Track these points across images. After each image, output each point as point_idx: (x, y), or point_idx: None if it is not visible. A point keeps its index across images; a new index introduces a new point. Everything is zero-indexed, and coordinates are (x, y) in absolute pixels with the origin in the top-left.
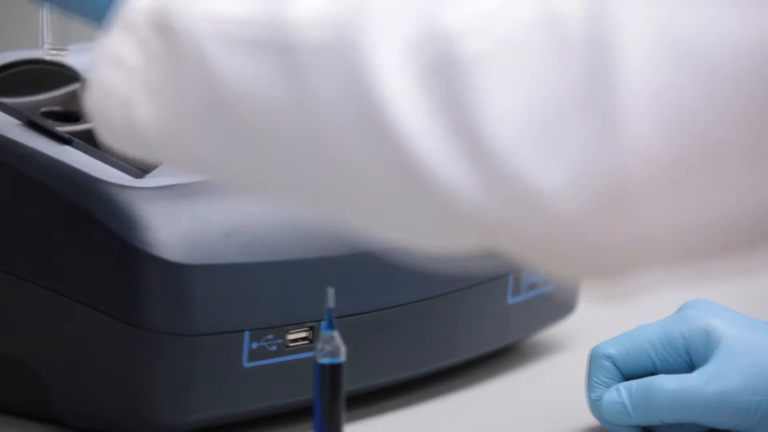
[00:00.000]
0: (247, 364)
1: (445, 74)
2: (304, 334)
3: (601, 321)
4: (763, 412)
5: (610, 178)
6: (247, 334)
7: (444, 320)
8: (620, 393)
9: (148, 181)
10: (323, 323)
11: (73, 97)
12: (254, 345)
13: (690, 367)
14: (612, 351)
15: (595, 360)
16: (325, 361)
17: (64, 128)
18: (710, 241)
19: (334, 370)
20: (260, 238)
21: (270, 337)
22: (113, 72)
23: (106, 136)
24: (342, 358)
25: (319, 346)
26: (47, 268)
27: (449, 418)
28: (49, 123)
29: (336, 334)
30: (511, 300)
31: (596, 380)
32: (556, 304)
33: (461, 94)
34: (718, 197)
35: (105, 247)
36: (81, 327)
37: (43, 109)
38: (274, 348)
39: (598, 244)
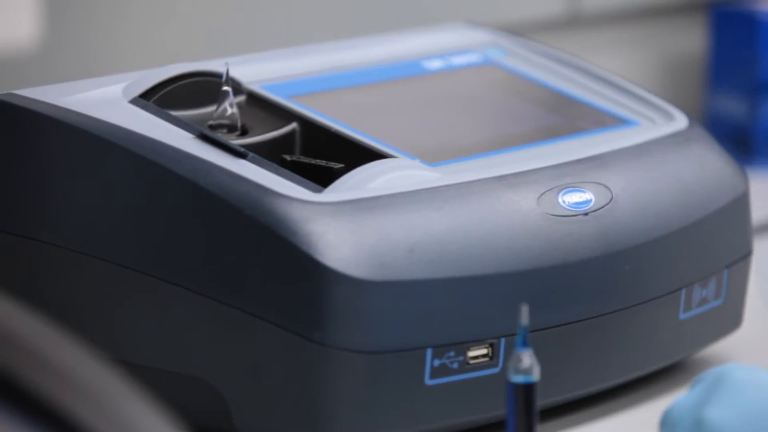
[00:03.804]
0: (429, 382)
1: None
2: (484, 351)
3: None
4: None
5: None
6: (429, 351)
7: (620, 336)
8: None
9: (327, 196)
10: (517, 341)
11: (239, 109)
12: (436, 362)
13: None
14: None
15: None
16: (519, 379)
17: (236, 141)
18: None
19: (528, 389)
20: (444, 253)
21: (452, 354)
22: None
23: None
24: (536, 377)
25: (512, 364)
26: (227, 284)
27: None
28: (222, 136)
29: (530, 352)
30: (682, 316)
31: None
32: (724, 319)
33: None
34: None
35: (287, 263)
36: (262, 344)
37: (210, 122)
38: (455, 365)
39: None
